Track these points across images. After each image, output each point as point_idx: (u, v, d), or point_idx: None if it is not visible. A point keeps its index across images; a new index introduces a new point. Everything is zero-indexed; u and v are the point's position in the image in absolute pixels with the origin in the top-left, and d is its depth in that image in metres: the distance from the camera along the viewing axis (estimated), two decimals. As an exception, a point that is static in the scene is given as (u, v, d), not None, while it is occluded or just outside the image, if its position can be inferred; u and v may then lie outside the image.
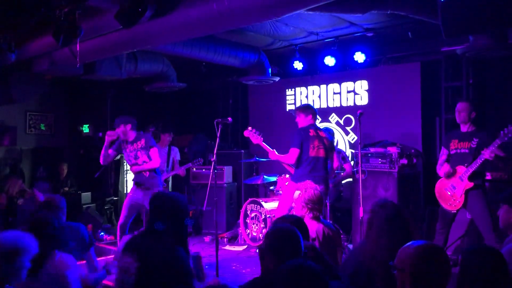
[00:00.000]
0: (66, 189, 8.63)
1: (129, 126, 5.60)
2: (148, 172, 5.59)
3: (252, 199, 6.69)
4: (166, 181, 7.30)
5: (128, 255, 2.46)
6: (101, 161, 5.76)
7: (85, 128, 9.75)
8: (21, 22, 4.98)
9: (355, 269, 2.66)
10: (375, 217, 2.57)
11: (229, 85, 8.81)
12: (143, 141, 5.59)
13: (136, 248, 2.48)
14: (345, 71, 7.39)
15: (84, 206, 8.22)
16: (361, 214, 4.67)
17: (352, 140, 7.41)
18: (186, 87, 7.93)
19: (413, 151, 6.08)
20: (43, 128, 9.93)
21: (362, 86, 7.28)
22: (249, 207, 6.67)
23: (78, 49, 4.32)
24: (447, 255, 2.06)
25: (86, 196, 8.44)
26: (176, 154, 7.53)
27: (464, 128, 4.69)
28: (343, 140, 7.52)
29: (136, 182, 5.61)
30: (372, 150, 5.98)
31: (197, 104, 9.35)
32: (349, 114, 7.42)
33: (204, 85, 8.96)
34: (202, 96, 9.31)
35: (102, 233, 7.25)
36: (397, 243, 2.12)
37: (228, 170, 7.72)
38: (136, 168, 5.59)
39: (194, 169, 7.87)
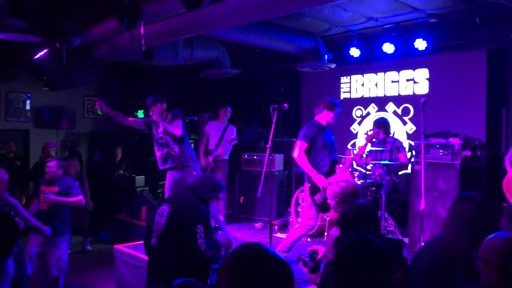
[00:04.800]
0: (121, 172, 8.85)
1: (165, 105, 5.69)
2: (177, 150, 5.64)
3: (304, 187, 6.60)
4: (215, 161, 7.24)
5: (165, 203, 3.58)
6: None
7: (140, 114, 9.97)
8: (86, 7, 5.09)
9: (430, 262, 2.56)
10: (458, 209, 2.46)
11: (281, 72, 8.70)
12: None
13: (171, 200, 3.67)
14: (405, 59, 7.11)
15: (138, 189, 8.42)
16: (422, 206, 4.49)
17: (410, 130, 7.15)
18: (238, 74, 7.92)
19: (477, 142, 5.77)
20: (99, 113, 10.22)
21: (422, 74, 6.99)
22: (300, 195, 6.60)
23: (142, 32, 4.37)
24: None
25: (140, 179, 8.64)
26: (230, 133, 7.33)
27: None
28: (401, 131, 7.27)
29: (173, 165, 5.69)
30: (433, 140, 5.73)
31: (249, 92, 9.32)
32: (407, 103, 7.16)
33: (256, 72, 8.91)
34: (253, 84, 9.27)
35: (156, 216, 7.40)
36: (480, 235, 2.05)
37: (279, 158, 7.67)
38: (165, 150, 5.67)
39: (246, 155, 7.88)
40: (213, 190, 3.66)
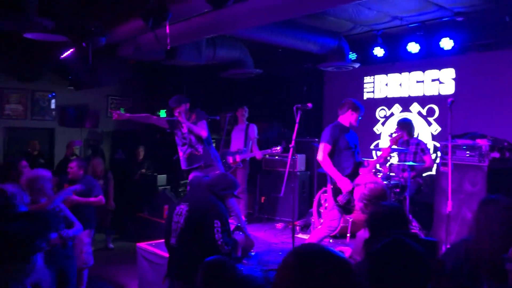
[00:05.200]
0: (143, 171, 8.94)
1: (188, 105, 5.69)
2: (201, 150, 5.64)
3: (326, 188, 6.54)
4: (243, 161, 7.24)
5: (182, 203, 3.67)
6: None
7: (162, 113, 10.05)
8: (112, 6, 5.15)
9: (456, 265, 2.50)
10: (484, 212, 2.40)
11: (304, 72, 8.66)
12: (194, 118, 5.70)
13: (188, 199, 3.70)
14: (430, 58, 6.98)
15: (159, 188, 8.49)
16: (449, 208, 4.40)
17: (435, 131, 7.02)
18: (260, 74, 7.90)
19: (506, 144, 5.63)
20: (122, 111, 10.36)
21: (448, 74, 6.86)
22: (323, 196, 6.54)
23: (168, 31, 4.40)
24: None
25: (161, 178, 8.72)
26: (252, 131, 7.30)
27: None
28: (425, 132, 7.15)
29: (197, 166, 5.69)
30: (459, 141, 5.61)
31: (270, 91, 9.30)
32: (432, 104, 7.04)
33: (279, 72, 8.88)
34: (275, 83, 9.24)
35: (177, 214, 7.45)
36: (508, 238, 1.98)
37: (301, 158, 7.63)
38: (189, 150, 5.68)
39: (267, 155, 7.86)
40: (229, 188, 3.71)
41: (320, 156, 4.89)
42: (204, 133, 5.65)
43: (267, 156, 7.84)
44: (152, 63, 8.15)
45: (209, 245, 3.41)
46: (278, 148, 7.02)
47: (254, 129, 7.34)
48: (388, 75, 7.58)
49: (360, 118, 4.97)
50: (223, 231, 3.41)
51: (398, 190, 6.12)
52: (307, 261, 1.27)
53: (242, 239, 3.86)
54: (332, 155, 4.87)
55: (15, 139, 9.05)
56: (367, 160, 5.63)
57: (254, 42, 6.69)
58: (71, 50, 5.89)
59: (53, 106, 9.51)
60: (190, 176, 5.97)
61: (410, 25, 6.47)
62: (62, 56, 6.06)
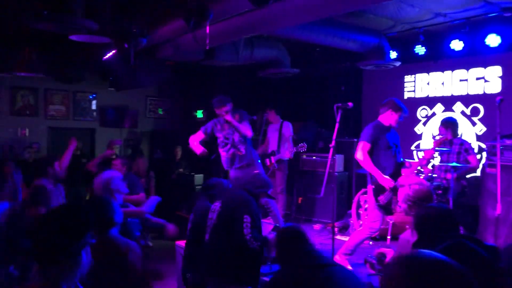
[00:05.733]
0: (181, 170, 9.04)
1: (231, 105, 5.68)
2: (243, 150, 5.62)
3: (366, 189, 6.43)
4: (278, 162, 7.17)
5: (217, 200, 3.74)
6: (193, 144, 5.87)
7: (199, 113, 10.16)
8: (153, 7, 5.23)
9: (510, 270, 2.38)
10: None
11: (341, 71, 8.54)
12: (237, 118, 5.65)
13: (222, 196, 3.79)
14: (474, 56, 6.74)
15: (197, 187, 8.56)
16: (498, 211, 4.23)
17: (480, 131, 6.77)
18: (296, 73, 7.85)
19: (558, 145, 5.37)
20: (160, 112, 10.56)
21: (494, 72, 6.61)
22: (362, 197, 6.44)
23: (208, 32, 4.42)
24: None
25: (198, 177, 8.79)
26: (287, 130, 7.20)
27: None
28: (469, 132, 6.91)
29: (239, 166, 5.68)
30: (508, 142, 5.39)
31: (307, 91, 9.22)
32: (477, 103, 6.79)
33: (316, 71, 8.79)
34: (312, 83, 9.15)
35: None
36: None
37: (339, 159, 7.53)
38: (231, 151, 5.66)
39: (304, 156, 7.79)
40: (262, 187, 3.75)
41: (359, 154, 4.81)
42: (249, 133, 5.66)
43: (304, 156, 7.77)
44: (188, 64, 8.24)
45: (237, 240, 3.45)
46: (304, 146, 6.91)
47: (288, 127, 7.23)
48: (430, 73, 7.37)
49: (401, 120, 4.85)
50: (253, 226, 3.43)
51: (440, 192, 5.94)
52: (419, 273, 1.13)
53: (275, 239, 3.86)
54: (371, 154, 4.78)
55: (58, 139, 9.33)
56: (409, 161, 5.49)
57: (291, 41, 6.65)
58: (113, 51, 6.01)
59: (94, 107, 9.76)
60: (230, 175, 6.00)
61: (454, 22, 6.27)
62: (104, 58, 6.19)
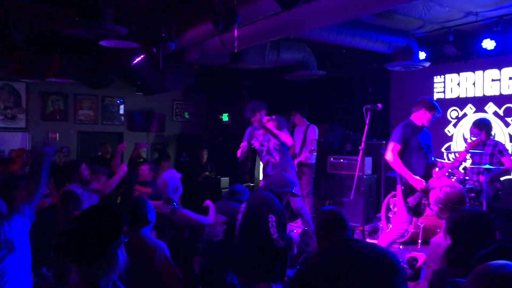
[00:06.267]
0: (207, 173, 9.07)
1: (265, 110, 5.63)
2: (278, 157, 5.57)
3: (395, 192, 6.32)
4: (298, 165, 7.07)
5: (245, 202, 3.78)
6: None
7: (224, 117, 10.19)
8: (180, 12, 5.27)
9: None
10: None
11: (368, 72, 8.44)
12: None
13: (248, 198, 3.91)
14: (507, 55, 6.57)
15: (223, 190, 8.58)
16: (537, 215, 4.08)
17: (514, 132, 6.59)
18: (323, 75, 7.79)
19: None
20: (186, 116, 10.65)
21: (528, 71, 6.43)
22: (391, 200, 6.32)
23: (236, 35, 4.43)
24: None
25: (224, 180, 8.81)
26: (311, 133, 7.13)
27: None
28: (502, 133, 6.72)
29: (270, 175, 5.63)
30: (545, 143, 5.22)
31: (333, 93, 9.14)
32: (510, 103, 6.60)
33: (342, 73, 8.71)
34: (338, 85, 9.07)
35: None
36: None
37: (368, 161, 7.43)
38: (266, 158, 5.62)
39: (332, 158, 7.72)
40: (286, 185, 3.74)
41: (389, 155, 4.72)
42: (289, 140, 5.57)
43: (331, 159, 7.70)
44: (214, 67, 8.28)
45: (264, 240, 3.46)
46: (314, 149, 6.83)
47: (313, 131, 7.16)
48: (460, 74, 7.21)
49: (433, 119, 4.75)
50: (278, 225, 3.43)
51: (473, 194, 5.79)
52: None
53: (298, 238, 3.87)
54: (402, 155, 4.69)
55: (87, 143, 9.51)
56: (441, 162, 5.37)
57: (318, 43, 6.59)
58: (142, 56, 6.09)
59: (121, 111, 9.91)
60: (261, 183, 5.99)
61: (485, 21, 6.12)
62: (133, 63, 6.27)
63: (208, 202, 4.07)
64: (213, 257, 4.03)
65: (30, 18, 5.84)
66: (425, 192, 4.58)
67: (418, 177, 4.63)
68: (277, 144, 5.56)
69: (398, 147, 4.69)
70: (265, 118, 5.52)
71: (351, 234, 2.57)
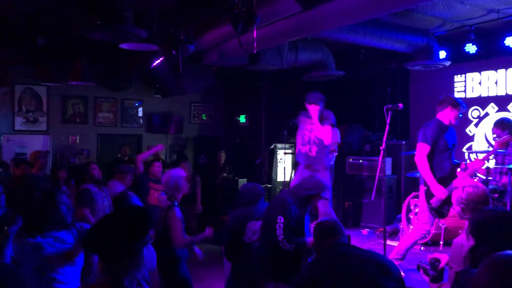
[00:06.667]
0: (225, 175, 9.09)
1: (322, 106, 5.64)
2: (314, 151, 5.55)
3: (416, 193, 6.24)
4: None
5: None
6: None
7: (242, 118, 10.21)
8: (199, 14, 5.30)
9: None
10: None
11: (387, 72, 8.35)
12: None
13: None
14: (531, 53, 6.45)
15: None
16: None
17: (538, 131, 6.43)
18: (341, 76, 7.74)
19: None
20: (204, 118, 10.70)
21: (553, 69, 6.28)
22: (412, 201, 6.26)
23: (255, 36, 4.43)
24: None
25: (242, 182, 8.80)
26: (333, 136, 7.16)
27: None
28: (526, 132, 6.58)
29: (306, 164, 5.63)
30: None
31: (352, 93, 9.07)
32: (534, 102, 6.48)
33: (360, 73, 8.65)
34: (357, 85, 9.00)
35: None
36: None
37: (387, 162, 7.35)
38: (306, 148, 5.62)
39: (351, 159, 7.67)
40: (311, 189, 3.69)
41: (418, 157, 4.65)
42: (327, 139, 5.58)
43: (350, 159, 7.64)
44: (231, 69, 8.30)
45: (271, 241, 3.46)
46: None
47: (335, 134, 7.15)
48: (482, 72, 7.09)
49: (460, 115, 4.68)
50: (286, 227, 3.42)
51: (496, 195, 5.68)
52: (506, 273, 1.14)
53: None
54: (429, 155, 4.62)
55: (107, 145, 9.63)
56: (465, 163, 5.29)
57: (336, 43, 6.55)
58: (161, 59, 6.14)
59: (140, 113, 10.00)
60: (297, 172, 5.97)
61: (508, 18, 6.00)
62: (152, 65, 6.33)
63: (208, 231, 3.91)
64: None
65: (52, 23, 5.95)
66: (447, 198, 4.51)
67: (440, 186, 4.56)
68: (317, 138, 5.57)
69: (428, 148, 4.62)
70: (314, 108, 5.58)
71: (343, 240, 2.63)
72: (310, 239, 3.78)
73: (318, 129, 5.57)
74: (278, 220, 3.45)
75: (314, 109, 5.59)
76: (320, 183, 3.79)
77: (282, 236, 3.40)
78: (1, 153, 8.28)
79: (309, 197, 3.70)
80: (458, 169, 5.03)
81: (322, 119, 5.58)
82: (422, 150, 4.61)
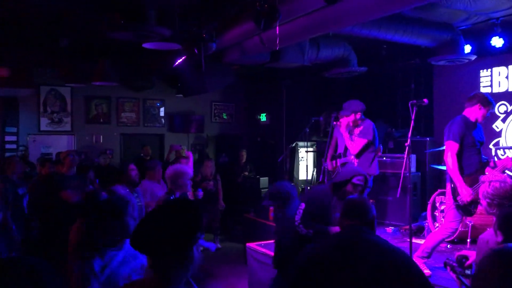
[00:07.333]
0: (246, 173, 9.10)
1: (360, 114, 5.72)
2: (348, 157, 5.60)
3: (442, 190, 6.12)
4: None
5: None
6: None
7: (263, 117, 10.20)
8: (221, 11, 5.31)
9: None
10: None
11: (410, 67, 8.22)
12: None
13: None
14: (560, 45, 6.25)
15: (262, 190, 8.58)
16: None
17: None
18: (363, 72, 7.65)
19: None
20: (225, 117, 10.73)
21: None
22: (437, 199, 6.13)
23: (278, 32, 4.42)
24: None
25: (264, 180, 8.81)
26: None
27: None
28: (555, 127, 6.41)
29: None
30: None
31: (374, 90, 8.95)
32: None
33: (383, 69, 8.53)
34: (379, 81, 8.88)
35: (280, 216, 7.51)
36: None
37: (412, 159, 7.23)
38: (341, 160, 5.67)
39: (374, 157, 7.55)
40: (346, 176, 3.70)
41: (447, 156, 4.54)
42: (354, 150, 5.65)
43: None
44: (251, 68, 8.30)
45: (291, 228, 3.50)
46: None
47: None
48: (509, 67, 6.91)
49: (488, 115, 4.56)
50: (305, 213, 3.44)
51: (525, 192, 5.54)
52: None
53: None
54: (458, 153, 4.51)
55: (129, 144, 9.75)
56: (494, 161, 5.16)
57: (358, 39, 6.48)
58: (183, 57, 6.17)
59: (162, 113, 10.09)
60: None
61: (536, 9, 5.84)
62: (175, 64, 6.37)
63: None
64: None
65: (75, 24, 6.04)
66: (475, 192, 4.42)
67: (469, 188, 4.46)
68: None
69: (457, 146, 4.49)
70: (346, 120, 5.71)
71: (360, 224, 2.41)
72: (335, 228, 3.78)
73: (350, 141, 5.77)
74: (300, 206, 3.50)
75: (350, 120, 5.70)
76: (353, 169, 3.80)
77: (299, 221, 3.43)
78: (27, 153, 8.45)
79: (341, 184, 3.69)
80: (487, 167, 4.91)
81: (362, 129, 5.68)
82: (451, 148, 4.50)
